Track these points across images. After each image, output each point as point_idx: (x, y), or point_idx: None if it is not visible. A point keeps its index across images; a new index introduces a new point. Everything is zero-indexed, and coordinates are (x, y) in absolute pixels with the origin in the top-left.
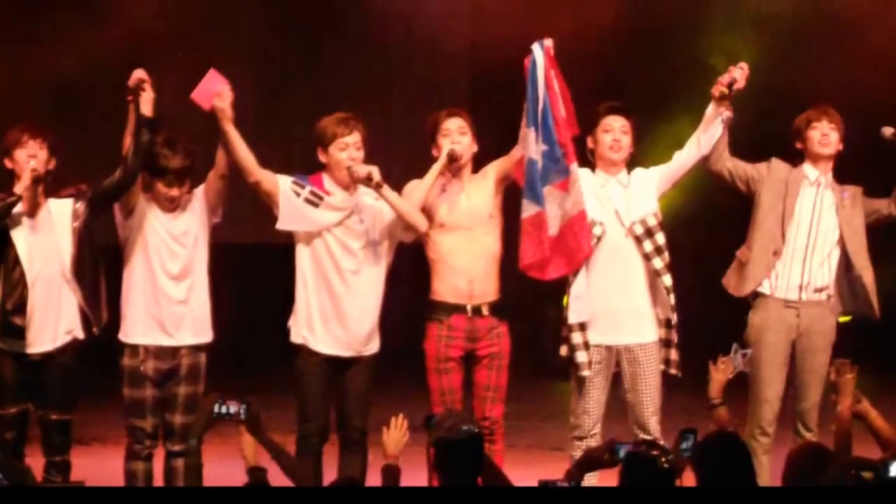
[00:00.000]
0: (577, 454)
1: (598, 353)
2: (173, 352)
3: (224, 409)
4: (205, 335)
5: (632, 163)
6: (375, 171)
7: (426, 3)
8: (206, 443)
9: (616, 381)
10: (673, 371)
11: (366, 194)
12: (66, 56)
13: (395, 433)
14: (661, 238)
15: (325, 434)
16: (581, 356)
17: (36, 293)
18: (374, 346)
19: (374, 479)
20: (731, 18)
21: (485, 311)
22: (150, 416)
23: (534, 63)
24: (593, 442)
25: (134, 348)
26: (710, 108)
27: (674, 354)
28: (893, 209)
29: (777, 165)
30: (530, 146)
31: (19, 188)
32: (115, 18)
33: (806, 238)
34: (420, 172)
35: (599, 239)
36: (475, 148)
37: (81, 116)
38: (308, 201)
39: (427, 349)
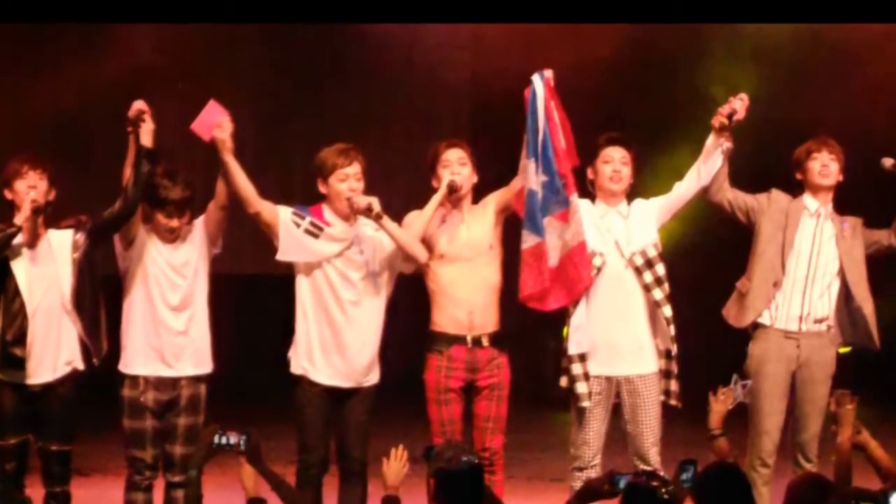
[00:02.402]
0: (577, 485)
1: (598, 384)
2: (173, 383)
3: (224, 440)
4: (205, 366)
5: (632, 194)
6: (375, 202)
7: (426, 34)
8: (206, 473)
9: (616, 411)
10: (673, 402)
11: (366, 225)
12: (67, 87)
13: (395, 464)
14: (661, 269)
15: (325, 465)
16: (581, 387)
17: (36, 324)
18: (374, 377)
19: None
20: (731, 50)
21: (485, 342)
22: (150, 447)
23: (534, 94)
24: (593, 473)
25: (134, 379)
26: (710, 139)
27: (674, 385)
28: (893, 240)
29: (777, 196)
30: (530, 177)
31: (19, 219)
32: (116, 51)
33: (806, 269)
34: (420, 203)
35: (599, 270)
36: (475, 179)
37: (81, 147)
38: (308, 232)
39: (427, 380)
